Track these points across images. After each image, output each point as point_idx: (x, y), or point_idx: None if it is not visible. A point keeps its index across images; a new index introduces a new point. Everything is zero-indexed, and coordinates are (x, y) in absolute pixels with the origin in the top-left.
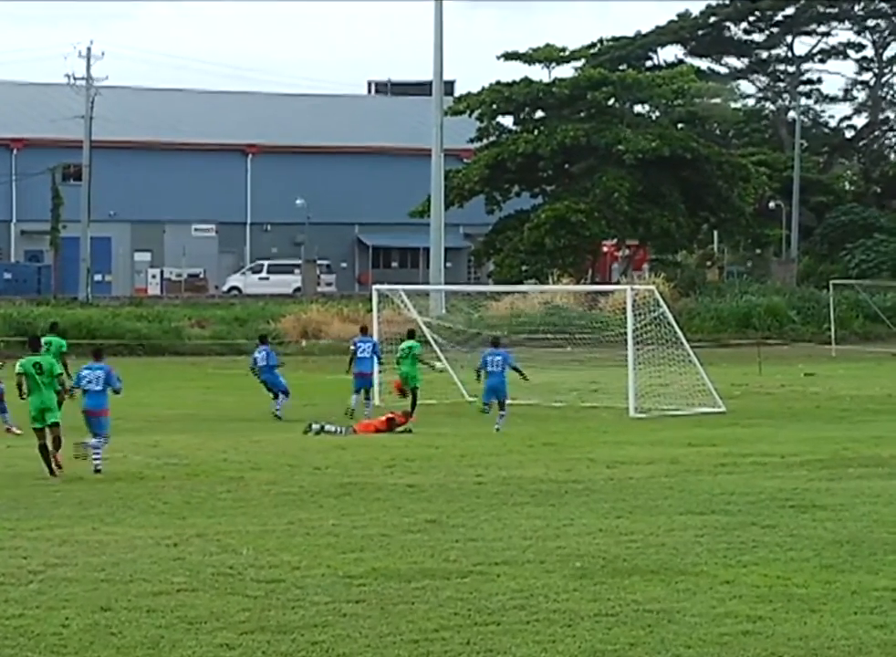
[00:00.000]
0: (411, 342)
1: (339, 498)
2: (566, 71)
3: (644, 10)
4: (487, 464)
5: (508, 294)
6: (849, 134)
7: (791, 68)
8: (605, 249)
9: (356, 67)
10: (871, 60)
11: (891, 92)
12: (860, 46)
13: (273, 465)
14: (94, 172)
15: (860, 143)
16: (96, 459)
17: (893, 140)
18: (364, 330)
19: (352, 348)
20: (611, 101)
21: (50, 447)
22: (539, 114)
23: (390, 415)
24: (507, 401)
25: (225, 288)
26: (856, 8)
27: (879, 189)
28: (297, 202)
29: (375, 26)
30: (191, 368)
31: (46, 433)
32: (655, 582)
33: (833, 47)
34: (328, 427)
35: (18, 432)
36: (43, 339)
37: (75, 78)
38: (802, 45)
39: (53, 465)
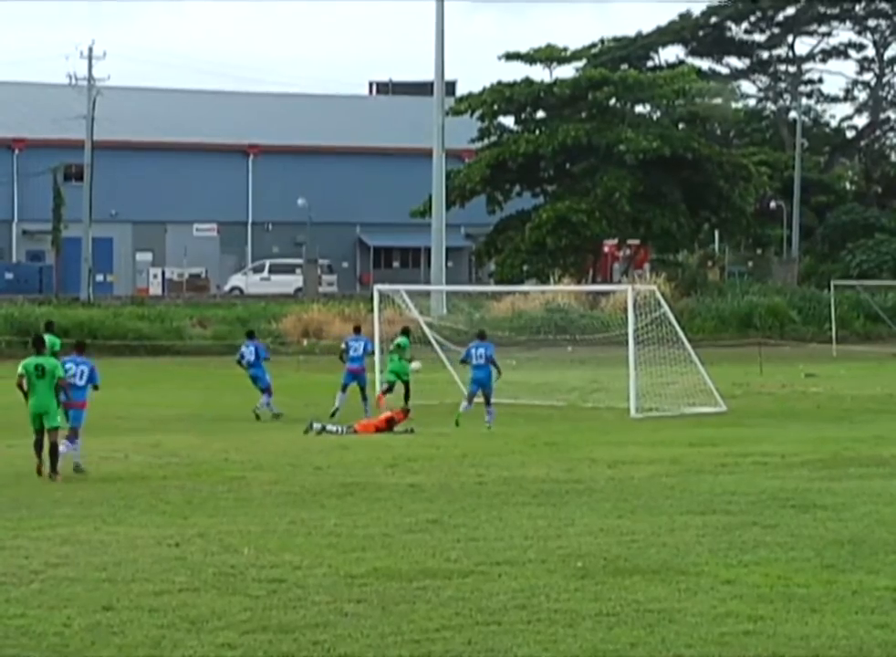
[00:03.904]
0: (401, 339)
1: (341, 498)
2: (567, 71)
3: (645, 10)
4: (489, 464)
5: (510, 294)
6: (849, 134)
7: (792, 68)
8: (606, 249)
9: (357, 67)
10: (872, 60)
11: (892, 92)
12: (861, 47)
13: (274, 465)
14: (96, 172)
15: (861, 143)
16: (76, 458)
17: (894, 139)
18: (357, 330)
19: (343, 346)
20: (612, 101)
21: (45, 453)
22: (540, 114)
23: (389, 414)
24: (510, 402)
25: (227, 288)
26: (857, 8)
27: (880, 189)
28: (299, 202)
29: (376, 27)
30: (192, 368)
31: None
32: (656, 582)
33: (834, 48)
34: (329, 427)
35: None
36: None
37: (76, 79)
38: (803, 45)
39: (49, 471)
